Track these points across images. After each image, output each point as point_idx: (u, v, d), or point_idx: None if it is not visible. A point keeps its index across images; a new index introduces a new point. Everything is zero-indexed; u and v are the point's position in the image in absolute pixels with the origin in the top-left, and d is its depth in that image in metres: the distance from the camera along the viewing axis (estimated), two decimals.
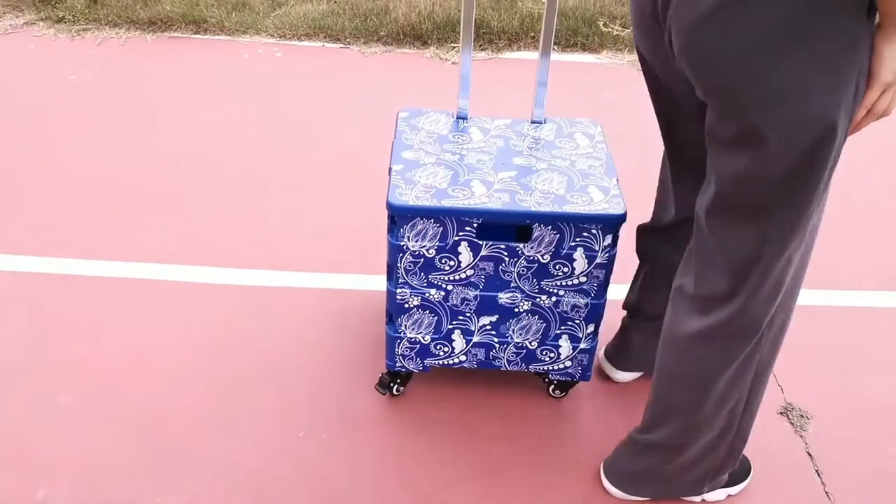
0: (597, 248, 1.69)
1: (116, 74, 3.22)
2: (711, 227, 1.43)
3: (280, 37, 3.55)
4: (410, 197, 1.65)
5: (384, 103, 3.06)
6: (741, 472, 1.78)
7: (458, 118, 1.92)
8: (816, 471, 1.81)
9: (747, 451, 1.70)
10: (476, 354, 1.86)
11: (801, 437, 1.89)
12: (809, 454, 1.85)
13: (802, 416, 1.93)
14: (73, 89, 3.11)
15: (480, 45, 3.57)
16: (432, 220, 1.65)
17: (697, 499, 1.77)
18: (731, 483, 1.77)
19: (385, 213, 1.66)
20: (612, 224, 1.66)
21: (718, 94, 1.29)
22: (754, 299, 1.43)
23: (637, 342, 1.95)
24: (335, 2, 3.79)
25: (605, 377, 2.01)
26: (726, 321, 1.46)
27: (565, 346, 1.84)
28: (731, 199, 1.38)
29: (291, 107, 3.08)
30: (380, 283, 2.17)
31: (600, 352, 2.03)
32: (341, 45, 3.54)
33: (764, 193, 1.33)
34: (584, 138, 1.88)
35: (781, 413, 1.95)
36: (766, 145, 1.27)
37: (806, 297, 2.29)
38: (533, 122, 1.92)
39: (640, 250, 1.88)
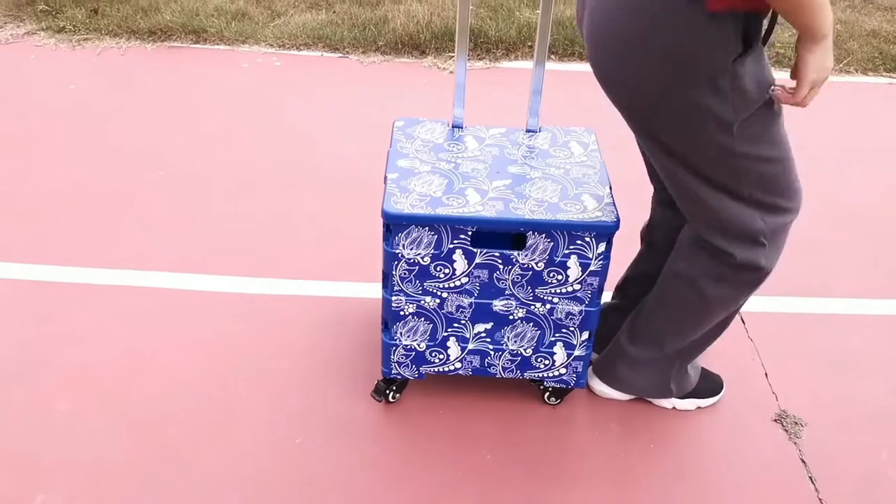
0: (590, 255, 1.70)
1: (117, 84, 3.25)
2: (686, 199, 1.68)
3: (279, 46, 3.58)
4: (405, 205, 1.67)
5: (382, 112, 3.08)
6: (713, 387, 1.99)
7: (453, 127, 1.94)
8: (810, 477, 1.82)
9: (742, 456, 1.72)
10: (471, 361, 1.87)
11: (794, 443, 1.90)
12: (803, 461, 1.86)
13: (796, 423, 1.94)
14: (74, 98, 3.13)
15: (478, 55, 3.60)
16: (427, 229, 1.67)
17: (668, 405, 1.97)
18: (703, 395, 1.98)
19: (381, 220, 1.68)
20: (605, 232, 1.68)
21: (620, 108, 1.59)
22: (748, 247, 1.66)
23: (609, 327, 1.98)
24: (334, 12, 3.82)
25: None
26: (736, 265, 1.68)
27: (560, 353, 1.85)
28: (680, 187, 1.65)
29: (290, 115, 3.10)
30: (377, 290, 2.19)
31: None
32: (340, 55, 3.56)
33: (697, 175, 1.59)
34: (578, 147, 1.90)
35: (776, 420, 1.96)
36: (674, 153, 1.57)
37: (799, 305, 2.33)
38: (528, 130, 1.94)
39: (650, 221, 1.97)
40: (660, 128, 1.55)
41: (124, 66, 3.38)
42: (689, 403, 1.98)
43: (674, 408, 1.98)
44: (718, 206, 1.62)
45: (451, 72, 3.45)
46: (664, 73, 1.46)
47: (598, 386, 1.99)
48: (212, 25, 3.61)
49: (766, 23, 1.51)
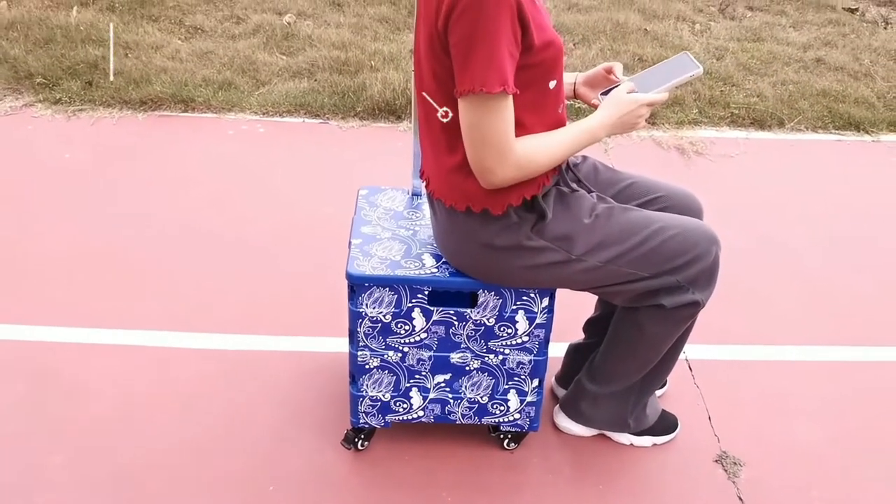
0: (536, 310, 1.88)
1: (109, 152, 3.45)
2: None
3: (263, 114, 3.80)
4: (367, 267, 1.85)
5: (359, 174, 3.29)
6: (668, 426, 2.16)
7: (412, 195, 2.13)
8: None
9: (685, 494, 1.86)
10: (433, 410, 2.03)
11: (733, 482, 2.05)
12: (741, 498, 2.01)
13: (735, 464, 2.10)
14: (69, 167, 3.32)
15: None
16: (387, 289, 1.84)
17: (626, 441, 2.13)
18: (658, 433, 2.12)
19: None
20: (547, 289, 1.85)
21: None
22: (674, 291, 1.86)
23: (575, 365, 2.18)
24: (315, 80, 4.05)
25: (556, 431, 2.17)
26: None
27: (513, 399, 2.01)
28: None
29: (272, 179, 3.30)
30: (346, 344, 2.35)
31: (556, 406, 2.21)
32: (321, 121, 3.78)
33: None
34: None
35: (716, 461, 2.11)
36: (569, 286, 1.88)
37: (742, 353, 2.50)
38: None
39: None
40: (532, 285, 1.84)
41: (117, 134, 3.58)
42: (646, 440, 2.13)
43: (631, 444, 2.13)
44: (627, 291, 1.86)
45: None
46: (494, 266, 1.79)
47: (564, 422, 2.14)
48: (200, 95, 3.83)
49: (569, 175, 1.87)
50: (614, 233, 1.79)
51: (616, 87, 1.77)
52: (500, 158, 1.60)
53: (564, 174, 1.83)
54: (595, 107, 1.82)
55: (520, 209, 1.74)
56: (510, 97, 1.57)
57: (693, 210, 1.98)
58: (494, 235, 1.75)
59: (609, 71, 1.87)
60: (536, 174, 1.68)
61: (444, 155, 1.70)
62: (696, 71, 1.76)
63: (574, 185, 1.84)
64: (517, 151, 1.62)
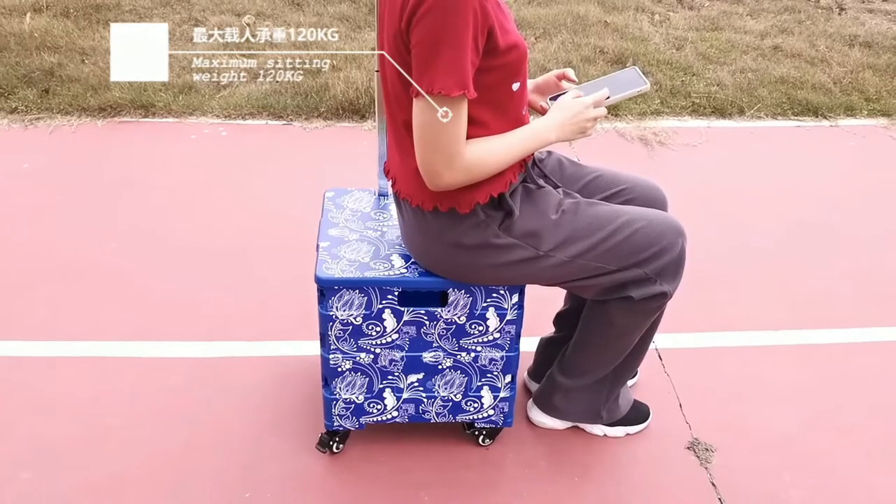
0: (506, 306, 1.89)
1: (69, 160, 3.39)
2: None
3: (225, 117, 3.76)
4: (336, 270, 1.84)
5: (325, 175, 3.27)
6: (640, 415, 2.17)
7: (379, 195, 2.12)
8: (719, 499, 2.00)
9: (659, 481, 1.88)
10: (407, 410, 2.03)
11: (705, 468, 2.08)
12: (713, 484, 2.04)
13: (707, 450, 2.13)
14: (28, 177, 3.26)
15: None
16: (357, 291, 1.84)
17: (600, 432, 2.14)
18: (631, 423, 2.13)
19: None
20: (516, 285, 1.86)
21: None
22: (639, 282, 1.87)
23: (547, 359, 2.19)
24: (277, 81, 4.02)
25: (530, 425, 2.18)
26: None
27: (487, 396, 2.02)
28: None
29: (237, 183, 3.27)
30: (318, 348, 2.34)
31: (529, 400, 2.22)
32: (284, 122, 3.75)
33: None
34: None
35: (688, 448, 2.14)
36: (538, 282, 1.88)
37: (710, 340, 2.53)
38: None
39: None
40: (501, 281, 1.84)
41: (76, 142, 3.53)
42: (619, 431, 2.15)
43: (605, 435, 2.15)
44: (595, 285, 1.86)
45: None
46: (463, 264, 1.79)
47: (538, 416, 2.16)
48: (160, 100, 3.78)
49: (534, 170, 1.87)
50: (581, 228, 1.80)
51: (564, 93, 1.81)
52: (450, 162, 1.60)
53: (530, 170, 1.84)
54: (544, 111, 1.83)
55: (487, 207, 1.75)
56: (465, 101, 1.57)
57: (658, 202, 2.00)
58: (462, 234, 1.76)
59: (561, 78, 1.89)
60: (484, 178, 1.69)
61: (410, 156, 1.70)
62: (643, 87, 1.81)
63: (540, 181, 1.85)
64: (466, 156, 1.62)
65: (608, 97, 1.78)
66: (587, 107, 1.74)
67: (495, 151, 1.66)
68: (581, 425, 2.16)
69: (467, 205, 1.73)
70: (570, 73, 1.88)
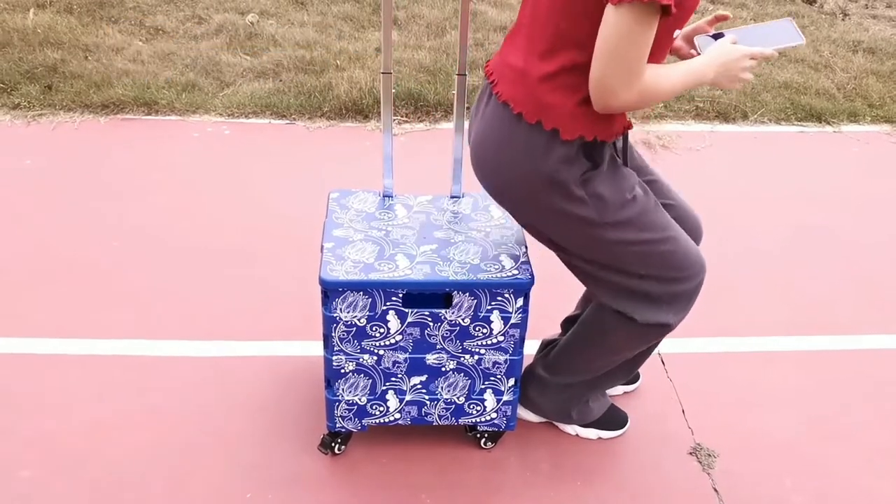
0: (510, 310, 1.88)
1: (72, 157, 3.38)
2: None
3: (228, 115, 3.75)
4: (340, 272, 1.83)
5: (328, 175, 3.26)
6: (617, 422, 2.17)
7: (384, 196, 2.12)
8: None
9: (662, 487, 1.88)
10: (409, 412, 2.02)
11: (708, 474, 2.07)
12: (716, 490, 2.03)
13: (710, 455, 2.12)
14: (31, 173, 3.26)
15: (419, 117, 3.81)
16: (361, 293, 1.83)
17: (572, 431, 2.16)
18: (604, 427, 2.14)
19: None
20: (522, 288, 1.86)
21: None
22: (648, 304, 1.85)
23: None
24: (280, 80, 4.02)
25: (533, 429, 2.18)
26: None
27: (490, 399, 2.01)
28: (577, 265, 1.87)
29: (240, 182, 3.26)
30: (321, 348, 2.33)
31: None
32: (287, 122, 3.75)
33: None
34: (497, 210, 2.09)
35: (691, 453, 2.13)
36: (560, 246, 1.84)
37: (713, 345, 2.52)
38: (452, 196, 2.13)
39: None
40: (541, 227, 1.81)
41: (78, 139, 3.52)
42: (592, 433, 2.15)
43: (577, 434, 2.15)
44: (613, 281, 1.83)
45: (394, 135, 3.65)
46: (531, 190, 1.72)
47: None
48: (163, 97, 3.77)
49: (619, 143, 1.80)
50: (639, 219, 1.77)
51: (719, 34, 1.71)
52: (629, 80, 1.50)
53: (617, 144, 1.80)
54: (688, 57, 1.75)
55: (584, 147, 1.67)
56: (657, 22, 1.47)
57: (694, 232, 2.00)
58: (547, 161, 1.67)
59: (718, 20, 1.78)
60: (650, 105, 1.62)
61: (538, 59, 1.62)
62: (799, 41, 1.70)
63: (624, 159, 1.82)
64: (644, 78, 1.52)
65: (773, 51, 1.67)
66: (745, 56, 1.64)
67: (668, 77, 1.57)
68: (555, 423, 2.16)
69: (572, 132, 1.63)
70: (727, 14, 1.79)
